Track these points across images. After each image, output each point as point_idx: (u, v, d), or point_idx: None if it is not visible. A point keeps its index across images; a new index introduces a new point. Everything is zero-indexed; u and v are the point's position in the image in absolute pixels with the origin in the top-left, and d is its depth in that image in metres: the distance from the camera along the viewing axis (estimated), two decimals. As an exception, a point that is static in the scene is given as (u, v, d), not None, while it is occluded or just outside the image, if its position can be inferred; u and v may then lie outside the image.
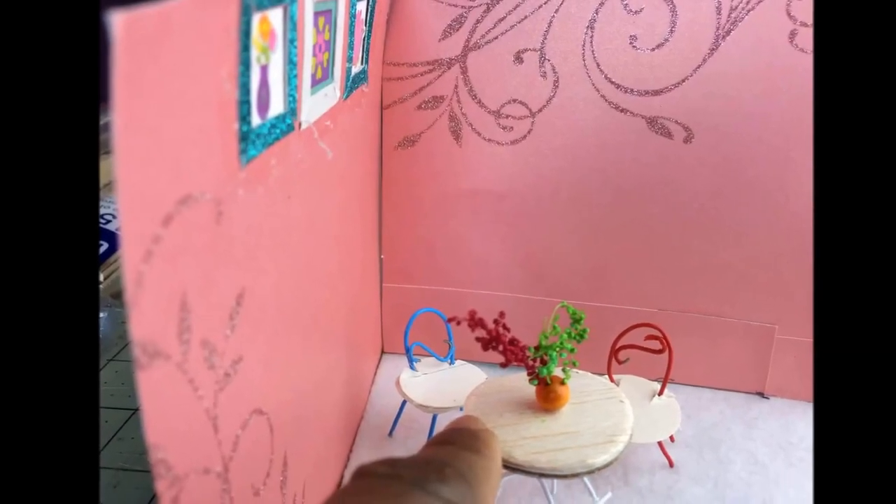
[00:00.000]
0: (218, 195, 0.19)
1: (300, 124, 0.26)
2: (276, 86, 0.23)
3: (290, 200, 0.27)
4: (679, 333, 0.50)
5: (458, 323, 0.32)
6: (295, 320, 0.30)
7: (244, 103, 0.20)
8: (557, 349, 0.35)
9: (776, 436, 0.49)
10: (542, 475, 0.32)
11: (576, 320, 0.36)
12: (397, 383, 0.46)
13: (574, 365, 0.36)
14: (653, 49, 0.44)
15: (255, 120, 0.21)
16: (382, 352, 0.58)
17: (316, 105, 0.28)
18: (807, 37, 0.42)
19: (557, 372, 0.36)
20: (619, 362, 0.46)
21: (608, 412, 0.36)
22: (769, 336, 0.51)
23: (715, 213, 0.48)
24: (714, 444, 0.48)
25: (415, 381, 0.46)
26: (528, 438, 0.34)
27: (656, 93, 0.45)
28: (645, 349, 0.45)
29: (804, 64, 0.43)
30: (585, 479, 0.41)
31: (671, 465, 0.46)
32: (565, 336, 0.35)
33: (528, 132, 0.48)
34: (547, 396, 0.35)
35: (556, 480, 0.42)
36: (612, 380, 0.47)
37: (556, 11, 0.45)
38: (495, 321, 0.33)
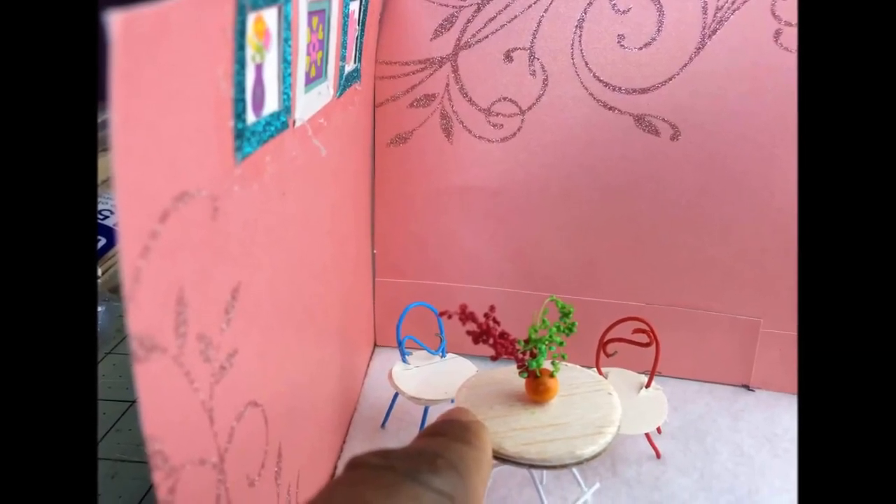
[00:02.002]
0: (214, 192, 0.20)
1: (294, 122, 0.27)
2: (271, 84, 0.23)
3: (284, 197, 0.27)
4: (666, 327, 0.51)
5: (450, 317, 0.32)
6: (289, 314, 0.30)
7: (239, 101, 0.21)
8: (547, 342, 0.36)
9: (761, 427, 0.50)
10: (531, 466, 0.33)
11: (564, 314, 0.37)
12: (390, 376, 0.46)
13: (563, 358, 0.37)
14: (640, 48, 0.45)
15: (251, 118, 0.22)
16: (375, 345, 0.58)
17: (310, 103, 0.29)
18: (791, 36, 0.43)
19: (547, 365, 0.36)
20: (608, 355, 0.47)
21: (597, 404, 0.37)
22: (754, 330, 0.52)
23: (701, 210, 0.49)
24: (700, 435, 0.49)
25: (407, 374, 0.47)
26: (517, 430, 0.34)
27: (644, 91, 0.46)
28: (633, 342, 0.45)
29: (789, 63, 0.43)
30: (574, 469, 0.42)
31: (658, 456, 0.47)
32: (554, 329, 0.36)
33: (518, 130, 0.48)
34: (536, 389, 0.36)
35: (545, 471, 0.43)
36: (600, 372, 0.47)
37: (546, 11, 0.45)
38: (486, 315, 0.34)
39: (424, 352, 0.48)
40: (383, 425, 0.49)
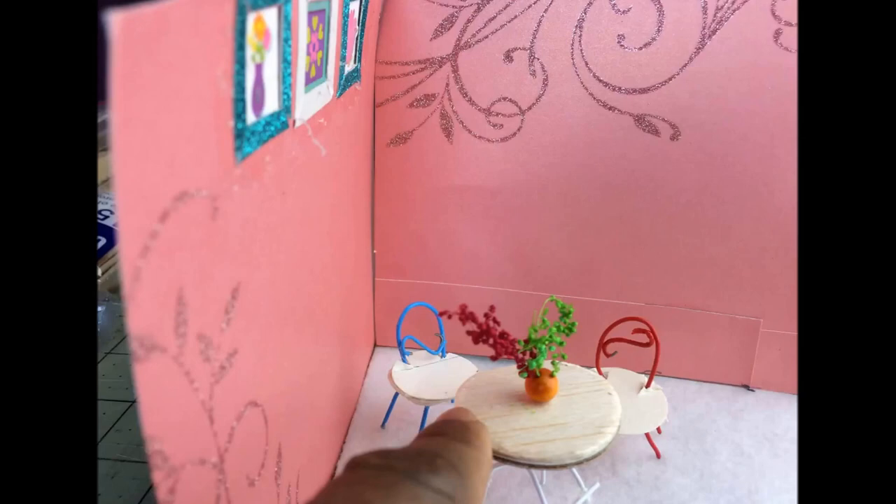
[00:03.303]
0: (214, 191, 0.20)
1: (294, 122, 0.27)
2: (271, 84, 0.23)
3: (284, 196, 0.27)
4: (666, 327, 0.51)
5: (450, 317, 0.32)
6: (289, 314, 0.30)
7: (239, 101, 0.21)
8: (547, 342, 0.36)
9: (761, 427, 0.50)
10: (531, 466, 0.33)
11: (565, 314, 0.37)
12: (389, 376, 0.46)
13: (563, 358, 0.37)
14: (640, 48, 0.45)
15: (250, 117, 0.22)
16: (375, 345, 0.58)
17: (310, 103, 0.29)
18: (791, 36, 0.43)
19: (546, 364, 0.36)
20: (608, 355, 0.47)
21: (597, 404, 0.37)
22: (754, 329, 0.52)
23: (701, 209, 0.49)
24: (700, 435, 0.49)
25: (407, 374, 0.46)
26: (517, 430, 0.34)
27: (643, 91, 0.46)
28: (633, 342, 0.45)
29: (788, 63, 0.43)
30: (574, 469, 0.42)
31: (658, 456, 0.47)
32: (554, 330, 0.36)
33: (518, 130, 0.48)
34: (536, 388, 0.36)
35: (545, 471, 0.43)
36: (600, 372, 0.47)
37: (546, 11, 0.45)
38: (486, 315, 0.34)
39: (424, 352, 0.48)
40: (383, 425, 0.49)
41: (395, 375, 0.46)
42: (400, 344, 0.46)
